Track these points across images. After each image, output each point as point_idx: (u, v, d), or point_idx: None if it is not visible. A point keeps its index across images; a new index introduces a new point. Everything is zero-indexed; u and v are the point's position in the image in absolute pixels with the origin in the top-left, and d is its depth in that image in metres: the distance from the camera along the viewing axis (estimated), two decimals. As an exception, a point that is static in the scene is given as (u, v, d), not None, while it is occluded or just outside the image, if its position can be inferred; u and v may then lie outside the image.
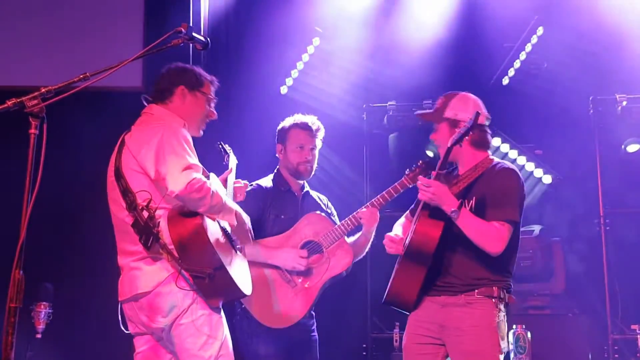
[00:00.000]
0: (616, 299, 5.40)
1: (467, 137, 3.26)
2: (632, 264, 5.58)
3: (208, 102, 3.38)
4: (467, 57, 6.17)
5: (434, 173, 3.35)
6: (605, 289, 5.34)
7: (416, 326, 3.43)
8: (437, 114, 3.50)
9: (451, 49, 6.14)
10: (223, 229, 3.20)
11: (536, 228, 5.58)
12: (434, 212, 3.31)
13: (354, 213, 4.00)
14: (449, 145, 3.29)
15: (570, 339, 5.19)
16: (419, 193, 3.33)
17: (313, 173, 4.19)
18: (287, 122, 4.19)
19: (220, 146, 3.71)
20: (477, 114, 3.26)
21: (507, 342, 3.38)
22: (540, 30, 6.15)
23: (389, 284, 3.42)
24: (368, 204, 4.00)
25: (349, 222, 4.00)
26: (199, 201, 2.98)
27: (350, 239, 4.08)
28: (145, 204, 3.03)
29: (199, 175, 3.01)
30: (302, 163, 4.10)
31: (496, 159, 3.53)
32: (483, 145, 3.51)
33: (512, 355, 4.90)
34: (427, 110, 3.69)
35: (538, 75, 6.21)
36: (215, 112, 3.41)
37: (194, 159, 3.07)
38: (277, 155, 4.22)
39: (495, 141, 6.09)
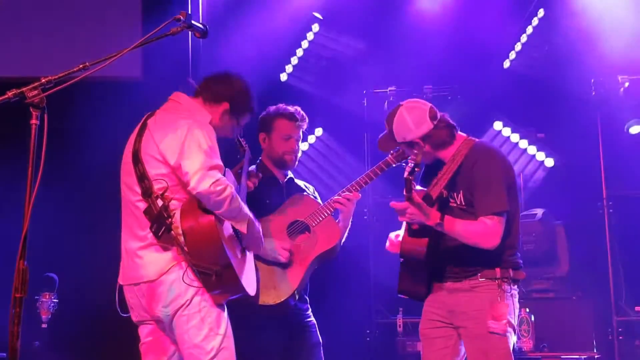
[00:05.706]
0: (620, 281, 5.41)
1: (418, 168, 3.15)
2: (636, 246, 5.58)
3: (235, 129, 3.43)
4: (467, 41, 6.14)
5: (413, 191, 3.19)
6: (609, 271, 5.35)
7: (429, 312, 3.50)
8: (392, 142, 3.49)
9: (451, 33, 6.11)
10: (234, 228, 3.20)
11: (539, 212, 5.57)
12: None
13: (335, 196, 3.96)
14: (404, 176, 3.14)
15: (574, 321, 5.20)
16: (398, 217, 3.32)
17: (296, 163, 4.17)
18: (271, 111, 4.14)
19: (238, 141, 3.69)
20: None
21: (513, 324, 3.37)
22: (541, 13, 6.13)
23: (398, 280, 3.48)
24: (349, 186, 3.97)
25: (332, 202, 3.97)
26: (218, 203, 2.98)
27: None
28: (160, 192, 3.02)
29: (223, 177, 3.01)
30: (288, 153, 4.06)
31: (473, 139, 3.45)
32: (446, 140, 3.42)
33: (515, 338, 4.90)
34: (383, 135, 3.58)
35: (539, 58, 6.19)
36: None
37: (219, 160, 3.07)
38: (260, 144, 4.18)
39: (497, 125, 6.07)
